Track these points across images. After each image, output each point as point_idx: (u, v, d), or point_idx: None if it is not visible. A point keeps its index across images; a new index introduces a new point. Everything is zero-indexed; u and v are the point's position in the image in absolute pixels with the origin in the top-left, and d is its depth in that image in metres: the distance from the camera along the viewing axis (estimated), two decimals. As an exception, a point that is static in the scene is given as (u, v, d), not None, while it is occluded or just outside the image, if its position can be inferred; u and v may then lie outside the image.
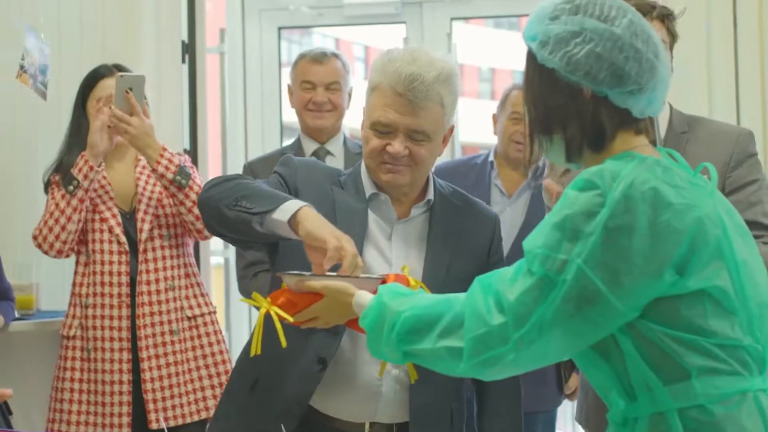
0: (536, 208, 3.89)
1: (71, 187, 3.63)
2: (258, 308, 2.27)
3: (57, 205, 3.66)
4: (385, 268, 2.54)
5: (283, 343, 2.24)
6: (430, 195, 2.64)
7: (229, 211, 2.40)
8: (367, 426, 2.54)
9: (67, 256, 3.76)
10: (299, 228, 2.30)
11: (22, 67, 3.98)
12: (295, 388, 2.51)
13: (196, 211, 3.63)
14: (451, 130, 2.62)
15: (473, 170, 4.03)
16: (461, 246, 2.61)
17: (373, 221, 2.60)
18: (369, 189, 2.61)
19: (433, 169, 4.01)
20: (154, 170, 3.65)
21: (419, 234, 2.62)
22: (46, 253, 3.74)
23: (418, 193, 2.64)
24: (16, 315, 4.01)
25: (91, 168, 3.64)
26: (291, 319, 2.23)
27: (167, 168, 3.63)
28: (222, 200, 2.43)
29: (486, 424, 2.69)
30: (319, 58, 3.91)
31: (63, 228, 3.66)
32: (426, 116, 2.49)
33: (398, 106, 2.48)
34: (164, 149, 3.66)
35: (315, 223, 2.30)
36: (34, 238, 3.72)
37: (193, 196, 3.65)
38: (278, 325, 2.24)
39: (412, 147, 2.51)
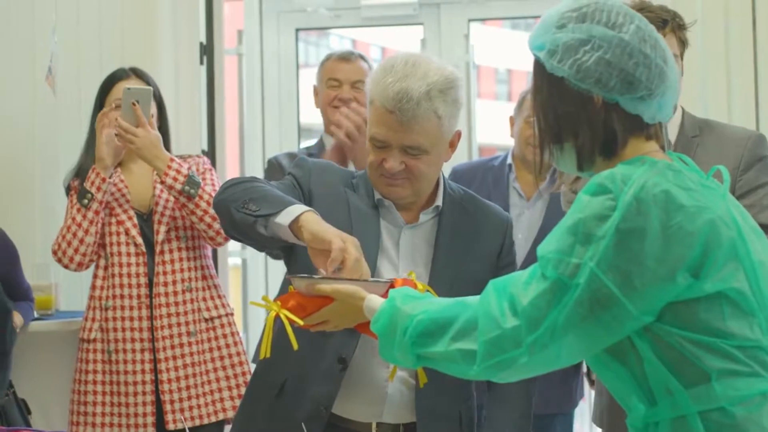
0: (554, 211, 3.88)
1: (85, 201, 3.66)
2: (268, 311, 2.27)
3: (74, 219, 3.69)
4: (393, 272, 2.53)
5: (294, 345, 2.24)
6: (439, 201, 2.62)
7: (237, 213, 2.41)
8: (374, 426, 2.54)
9: (88, 267, 3.78)
10: (302, 231, 2.29)
11: (50, 70, 4.01)
12: (319, 390, 2.52)
13: (207, 219, 3.65)
14: (459, 134, 2.59)
15: (491, 172, 4.03)
16: (470, 250, 2.60)
17: (383, 226, 2.59)
18: (377, 194, 2.60)
19: (450, 171, 4.07)
20: (162, 182, 3.65)
21: (427, 239, 2.60)
22: (66, 267, 3.76)
23: (426, 200, 2.63)
24: (36, 315, 4.02)
25: (104, 180, 3.66)
26: (301, 323, 2.22)
27: (175, 179, 3.63)
28: (232, 202, 2.44)
29: (494, 427, 2.65)
30: (347, 56, 3.94)
31: (81, 241, 3.69)
32: (420, 131, 2.46)
33: (390, 122, 2.46)
34: (172, 160, 3.65)
35: (319, 225, 2.29)
36: (54, 252, 3.74)
37: (204, 205, 3.65)
38: (289, 329, 2.22)
39: (409, 161, 2.49)
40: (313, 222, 2.30)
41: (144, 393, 3.66)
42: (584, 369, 3.97)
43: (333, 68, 3.94)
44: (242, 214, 2.39)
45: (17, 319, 3.75)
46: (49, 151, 4.59)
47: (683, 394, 1.81)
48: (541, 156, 2.00)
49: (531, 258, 3.84)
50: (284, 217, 2.32)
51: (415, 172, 2.50)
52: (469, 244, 2.60)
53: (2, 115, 4.59)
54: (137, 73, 3.84)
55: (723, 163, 2.10)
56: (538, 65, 1.96)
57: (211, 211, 3.61)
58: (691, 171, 1.93)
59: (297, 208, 2.33)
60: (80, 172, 3.78)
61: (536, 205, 3.95)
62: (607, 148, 1.93)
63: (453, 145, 2.59)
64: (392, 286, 2.20)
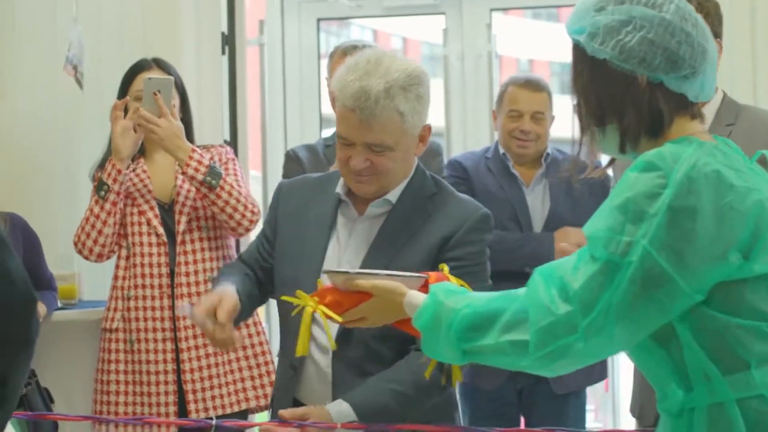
0: (557, 196, 3.95)
1: (102, 192, 3.68)
2: (303, 306, 2.25)
3: (92, 210, 3.71)
4: (336, 266, 2.58)
5: (333, 345, 2.26)
6: (392, 195, 2.61)
7: None
8: None
9: (108, 258, 3.79)
10: None
11: (67, 58, 4.01)
12: (282, 396, 2.65)
13: (228, 210, 3.65)
14: (428, 128, 2.62)
15: (492, 162, 4.05)
16: (411, 241, 2.58)
17: (341, 221, 2.65)
18: (338, 188, 2.65)
19: (447, 162, 4.07)
20: (183, 172, 3.64)
21: (376, 232, 2.62)
22: (87, 258, 3.78)
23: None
24: (59, 305, 4.04)
25: (119, 172, 3.67)
26: (340, 320, 2.20)
27: (197, 170, 3.62)
28: None
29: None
30: (350, 51, 3.90)
31: (100, 232, 3.71)
32: (381, 129, 2.48)
33: (352, 121, 2.49)
34: (194, 150, 3.64)
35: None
36: (75, 244, 3.77)
37: (225, 196, 3.64)
38: (326, 326, 2.22)
39: (374, 158, 2.52)
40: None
41: (166, 382, 3.67)
42: None
43: (339, 62, 3.92)
44: None
45: (40, 308, 3.76)
46: (72, 142, 4.60)
47: (721, 381, 1.80)
48: (581, 140, 1.98)
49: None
50: None
51: (380, 168, 2.53)
52: (413, 235, 2.58)
53: (25, 106, 4.61)
54: (159, 64, 3.84)
55: (755, 148, 2.09)
56: (578, 49, 1.96)
57: (233, 201, 3.63)
58: (736, 153, 1.93)
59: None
60: (105, 164, 3.79)
61: (535, 191, 4.00)
62: (654, 128, 1.92)
63: (423, 140, 2.62)
64: (427, 281, 2.18)
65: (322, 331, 2.53)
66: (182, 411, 3.69)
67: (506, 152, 4.03)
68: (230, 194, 3.64)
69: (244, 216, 3.66)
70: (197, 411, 3.66)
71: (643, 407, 2.96)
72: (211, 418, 3.63)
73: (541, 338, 1.84)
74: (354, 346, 2.54)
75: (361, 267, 2.56)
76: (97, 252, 3.74)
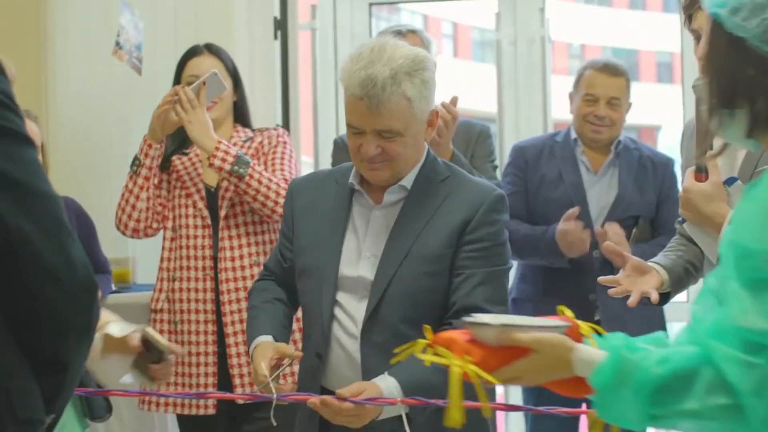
0: (625, 183, 3.91)
1: (134, 167, 3.74)
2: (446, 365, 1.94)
3: (126, 186, 3.78)
4: (356, 254, 2.63)
5: (488, 412, 2.08)
6: (406, 181, 2.64)
7: None
8: None
9: (147, 234, 3.84)
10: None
11: (117, 43, 4.03)
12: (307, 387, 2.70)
13: (260, 198, 3.64)
14: (436, 113, 2.66)
15: (557, 147, 4.04)
16: (430, 226, 2.60)
17: (356, 210, 2.68)
18: (351, 179, 2.69)
19: (512, 148, 4.05)
20: (210, 164, 3.64)
21: (395, 219, 2.65)
22: (123, 233, 3.83)
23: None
24: (113, 288, 4.07)
25: (150, 146, 3.73)
26: (496, 381, 1.90)
27: (224, 160, 3.61)
28: None
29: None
30: (399, 32, 3.89)
31: (133, 207, 3.76)
32: (390, 115, 2.52)
33: (360, 109, 2.53)
34: (220, 142, 3.64)
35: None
36: (115, 223, 3.82)
37: (255, 184, 3.63)
38: (480, 392, 1.91)
39: (384, 144, 2.55)
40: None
41: (206, 364, 3.71)
42: None
43: None
44: None
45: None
46: (127, 126, 4.63)
47: None
48: (709, 121, 1.88)
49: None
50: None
51: (392, 154, 2.56)
52: (431, 219, 2.61)
53: (79, 91, 4.64)
54: (211, 49, 3.86)
55: None
56: (716, 23, 1.80)
57: (263, 189, 3.63)
58: None
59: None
60: (163, 153, 3.84)
61: (604, 179, 3.94)
62: None
63: (432, 124, 2.65)
64: (569, 330, 1.96)
65: (347, 315, 2.61)
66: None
67: (579, 136, 4.00)
68: (260, 182, 3.63)
69: (276, 203, 3.64)
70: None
71: None
72: (253, 403, 3.66)
73: (757, 397, 1.61)
74: (381, 331, 2.57)
75: (384, 255, 2.60)
76: (132, 227, 3.79)
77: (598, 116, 3.92)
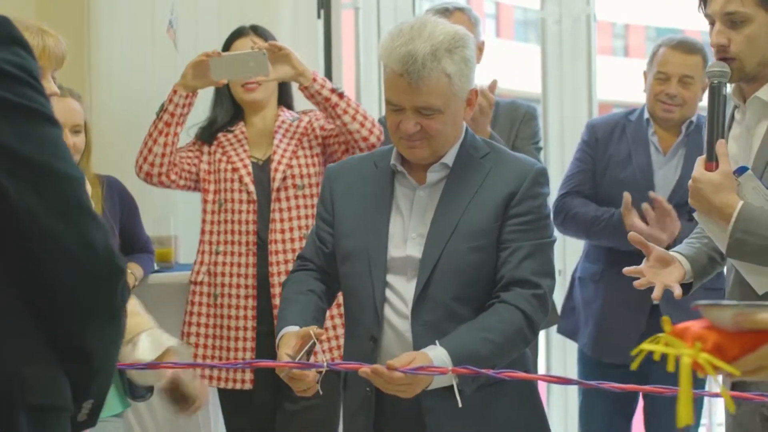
0: (691, 164, 3.82)
1: (158, 111, 3.79)
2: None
3: (148, 130, 3.83)
4: (402, 235, 2.63)
5: (731, 407, 1.81)
6: (448, 159, 2.65)
7: None
8: None
9: (161, 182, 3.86)
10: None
11: (170, 22, 4.05)
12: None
13: (359, 118, 3.74)
14: (475, 92, 2.65)
15: (630, 126, 3.99)
16: (475, 201, 2.61)
17: (399, 191, 2.68)
18: (393, 160, 2.69)
19: (586, 125, 4.02)
20: (306, 88, 3.74)
21: (438, 197, 2.65)
22: (138, 175, 3.87)
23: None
24: (156, 267, 4.08)
25: (175, 92, 3.78)
26: (737, 373, 1.61)
27: (322, 85, 3.75)
28: None
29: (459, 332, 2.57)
30: (443, 9, 3.88)
31: (150, 150, 3.80)
32: (430, 92, 2.52)
33: (400, 85, 2.53)
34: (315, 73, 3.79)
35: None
36: (135, 169, 3.88)
37: (354, 105, 3.77)
38: (724, 392, 1.72)
39: (423, 121, 2.56)
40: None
41: (245, 339, 3.73)
42: None
43: None
44: None
45: (137, 271, 3.80)
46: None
47: None
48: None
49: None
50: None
51: (431, 131, 2.56)
52: (476, 195, 2.62)
53: (123, 69, 4.64)
54: (257, 31, 3.89)
55: None
56: None
57: (361, 110, 3.76)
58: None
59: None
60: (208, 126, 3.90)
61: (672, 160, 3.88)
62: None
63: (471, 103, 2.64)
64: None
65: (397, 296, 2.62)
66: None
67: (651, 116, 3.94)
68: (357, 108, 3.77)
69: (374, 125, 3.77)
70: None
71: None
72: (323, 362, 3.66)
73: None
74: (431, 309, 2.57)
75: (430, 233, 2.60)
76: (145, 170, 3.83)
77: (669, 95, 3.84)
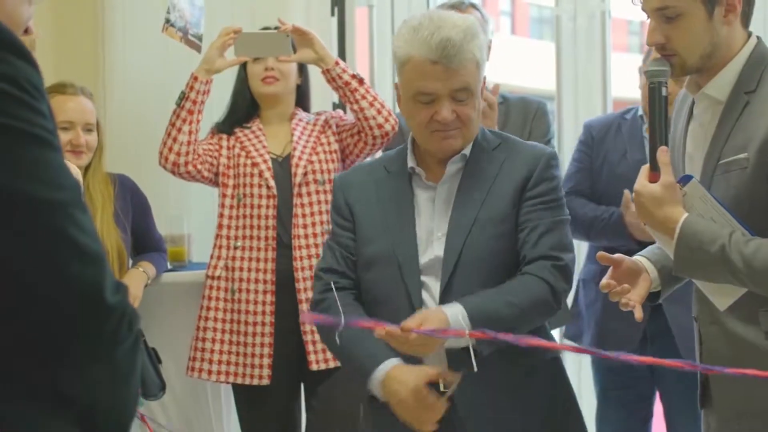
0: None
1: (179, 100, 3.79)
2: None
3: (170, 120, 3.83)
4: (428, 237, 2.62)
5: None
6: (466, 150, 2.67)
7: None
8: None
9: (188, 173, 3.84)
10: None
11: (167, 20, 4.03)
12: None
13: (377, 104, 3.77)
14: (483, 82, 2.67)
15: (625, 125, 3.98)
16: (492, 191, 2.62)
17: (419, 193, 2.67)
18: (410, 162, 2.69)
19: (584, 125, 4.01)
20: (328, 71, 3.78)
21: (455, 192, 2.65)
22: (164, 167, 3.86)
23: None
24: (169, 266, 4.07)
25: (196, 78, 3.78)
26: None
27: (344, 70, 3.79)
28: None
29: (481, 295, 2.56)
30: (457, 6, 3.88)
31: (174, 139, 3.79)
32: (466, 73, 2.56)
33: (436, 73, 2.54)
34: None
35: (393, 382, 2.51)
36: (159, 161, 3.87)
37: (372, 92, 3.81)
38: None
39: (458, 108, 2.58)
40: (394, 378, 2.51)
41: (263, 335, 3.72)
42: None
43: None
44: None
45: (149, 269, 3.79)
46: (182, 103, 4.62)
47: None
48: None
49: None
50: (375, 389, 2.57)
51: (465, 119, 2.59)
52: (492, 185, 2.63)
53: (137, 69, 4.64)
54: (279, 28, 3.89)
55: None
56: None
57: (379, 98, 3.80)
58: None
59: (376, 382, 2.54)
60: (230, 117, 3.93)
61: None
62: None
63: (481, 93, 2.67)
64: None
65: (431, 297, 2.60)
66: (302, 362, 3.73)
67: (646, 113, 3.93)
68: (376, 96, 3.80)
69: (390, 114, 3.81)
70: (317, 362, 3.69)
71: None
72: (325, 371, 3.64)
73: None
74: (457, 298, 2.53)
75: (451, 225, 2.60)
76: (172, 160, 3.82)
77: None
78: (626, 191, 3.71)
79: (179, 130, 3.79)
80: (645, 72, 2.53)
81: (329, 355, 3.67)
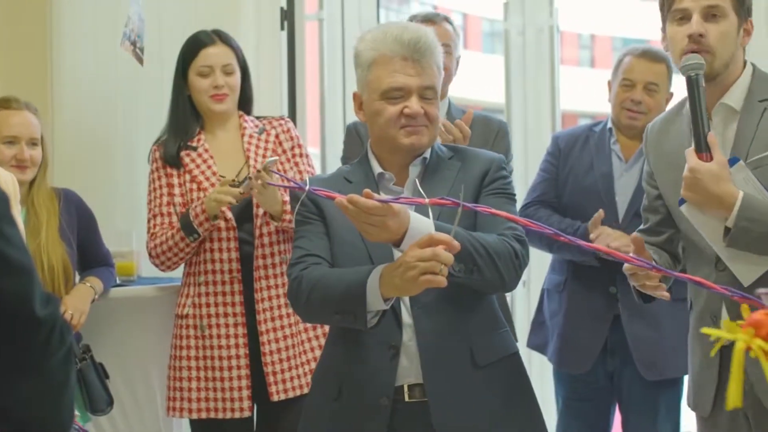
0: None
1: (191, 239, 3.63)
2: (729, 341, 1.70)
3: (177, 245, 3.66)
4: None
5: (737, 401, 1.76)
6: (427, 153, 2.72)
7: (335, 321, 2.64)
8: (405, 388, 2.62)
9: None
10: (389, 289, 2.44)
11: (125, 34, 4.01)
12: (377, 382, 2.62)
13: (287, 218, 3.60)
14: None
15: (593, 137, 4.01)
16: (454, 188, 2.65)
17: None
18: (375, 169, 2.72)
19: (552, 137, 4.04)
20: (272, 218, 3.61)
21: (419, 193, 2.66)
22: (158, 268, 3.77)
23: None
24: (117, 281, 4.04)
25: (207, 219, 3.59)
26: None
27: (290, 222, 3.50)
28: (323, 319, 2.83)
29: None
30: (432, 18, 3.85)
31: (181, 259, 3.71)
32: (431, 74, 2.64)
33: (406, 69, 2.62)
34: (285, 202, 3.60)
35: (392, 274, 2.41)
36: (149, 254, 3.74)
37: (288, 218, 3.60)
38: (766, 367, 1.68)
39: (425, 106, 2.64)
40: (387, 276, 2.42)
41: (239, 367, 3.64)
42: None
43: None
44: (344, 324, 2.59)
45: (96, 284, 3.75)
46: (132, 116, 4.61)
47: None
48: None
49: (628, 220, 3.82)
50: (374, 298, 2.46)
51: (432, 117, 2.65)
52: (452, 185, 2.67)
53: (85, 83, 4.62)
54: (222, 37, 3.79)
55: None
56: None
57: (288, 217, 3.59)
58: None
59: (372, 284, 2.45)
60: (165, 141, 3.77)
61: (634, 168, 3.89)
62: None
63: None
64: None
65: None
66: (258, 395, 3.68)
67: (616, 124, 3.96)
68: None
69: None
70: (278, 393, 3.63)
71: (698, 397, 2.87)
72: (286, 401, 3.62)
73: None
74: (426, 291, 2.48)
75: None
76: (172, 268, 3.75)
77: (634, 101, 3.86)
78: (601, 210, 3.75)
79: (187, 253, 3.67)
80: (682, 67, 2.66)
81: (289, 384, 3.65)
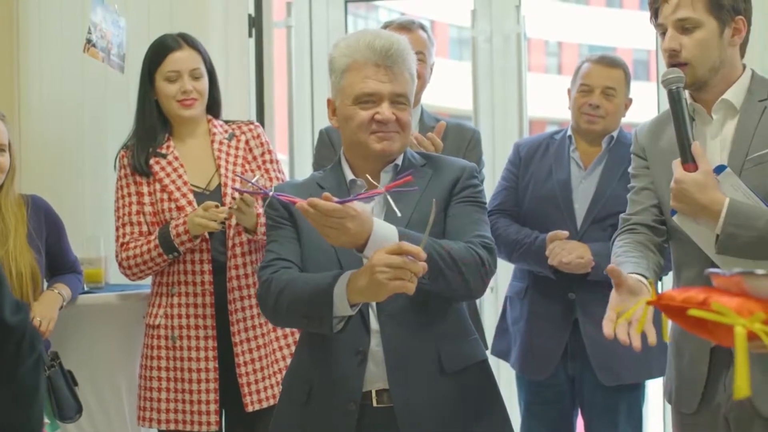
0: (608, 178, 3.88)
1: (170, 256, 3.62)
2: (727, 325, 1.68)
3: (153, 259, 3.65)
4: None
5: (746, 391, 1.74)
6: (399, 160, 2.74)
7: (305, 327, 2.67)
8: (373, 393, 2.63)
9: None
10: (356, 294, 2.46)
11: (89, 41, 3.99)
12: (345, 388, 2.62)
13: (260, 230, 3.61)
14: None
15: (554, 145, 4.03)
16: (425, 195, 2.67)
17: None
18: (348, 176, 2.74)
19: (513, 145, 4.06)
20: (248, 231, 3.61)
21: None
22: (120, 269, 3.74)
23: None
24: (85, 288, 4.03)
25: (190, 240, 3.58)
26: None
27: (264, 234, 3.44)
28: (291, 322, 2.78)
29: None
30: (407, 25, 3.84)
31: (154, 272, 3.70)
32: (403, 81, 2.67)
33: (379, 75, 2.65)
34: (258, 215, 3.59)
35: (359, 279, 2.44)
36: (120, 264, 3.72)
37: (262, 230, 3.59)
38: None
39: (397, 112, 2.66)
40: (354, 282, 2.45)
41: (208, 380, 3.63)
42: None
43: None
44: (313, 329, 2.59)
45: (64, 291, 3.74)
46: (98, 125, 4.60)
47: None
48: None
49: (587, 226, 3.84)
50: (341, 303, 2.47)
51: (403, 122, 2.67)
52: (424, 193, 2.68)
53: (52, 90, 4.62)
54: (188, 41, 3.78)
55: None
56: None
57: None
58: None
59: (339, 289, 2.47)
60: (132, 146, 3.75)
61: (593, 174, 3.92)
62: None
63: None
64: None
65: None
66: (233, 405, 3.68)
67: (576, 130, 3.99)
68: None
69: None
70: (252, 403, 3.63)
71: (684, 393, 2.88)
72: (260, 411, 3.61)
73: None
74: (393, 299, 2.51)
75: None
76: (144, 278, 3.75)
77: (592, 105, 3.90)
78: (562, 232, 3.78)
79: (160, 266, 3.66)
80: (662, 80, 2.71)
81: (263, 395, 3.65)
